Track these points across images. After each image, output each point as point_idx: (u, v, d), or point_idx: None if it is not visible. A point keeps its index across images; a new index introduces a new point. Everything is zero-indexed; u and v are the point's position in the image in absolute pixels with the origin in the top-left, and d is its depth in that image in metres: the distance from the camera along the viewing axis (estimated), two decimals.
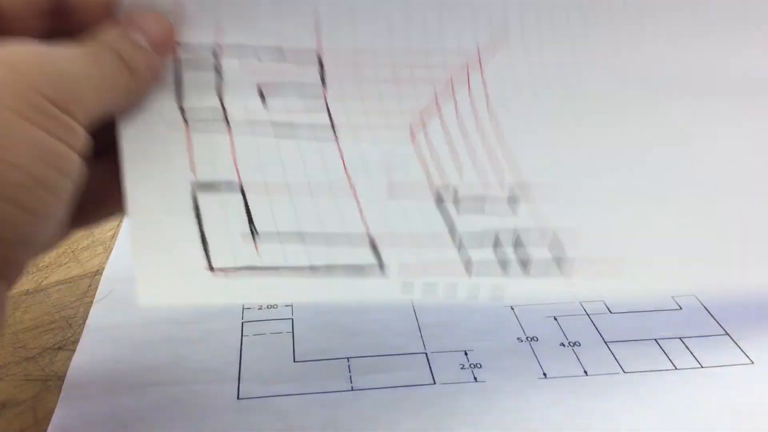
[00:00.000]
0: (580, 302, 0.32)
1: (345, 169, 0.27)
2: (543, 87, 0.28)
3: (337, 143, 0.27)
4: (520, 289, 0.26)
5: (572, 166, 0.28)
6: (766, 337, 0.30)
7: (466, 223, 0.27)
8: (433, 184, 0.27)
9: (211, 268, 0.25)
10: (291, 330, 0.31)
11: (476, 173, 0.27)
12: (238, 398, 0.27)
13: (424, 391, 0.28)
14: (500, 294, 0.26)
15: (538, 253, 0.27)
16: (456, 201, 0.27)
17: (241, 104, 0.27)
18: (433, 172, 0.27)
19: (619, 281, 0.27)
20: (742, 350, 0.30)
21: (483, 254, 0.27)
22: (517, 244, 0.27)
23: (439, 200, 0.27)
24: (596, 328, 0.31)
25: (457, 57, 0.28)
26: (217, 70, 0.26)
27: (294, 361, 0.29)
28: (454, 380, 0.28)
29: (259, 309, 0.32)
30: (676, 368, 0.29)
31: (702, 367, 0.29)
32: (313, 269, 0.26)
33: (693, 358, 0.29)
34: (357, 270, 0.26)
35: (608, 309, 0.32)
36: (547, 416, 0.26)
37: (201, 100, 0.26)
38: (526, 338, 0.30)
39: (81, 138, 0.21)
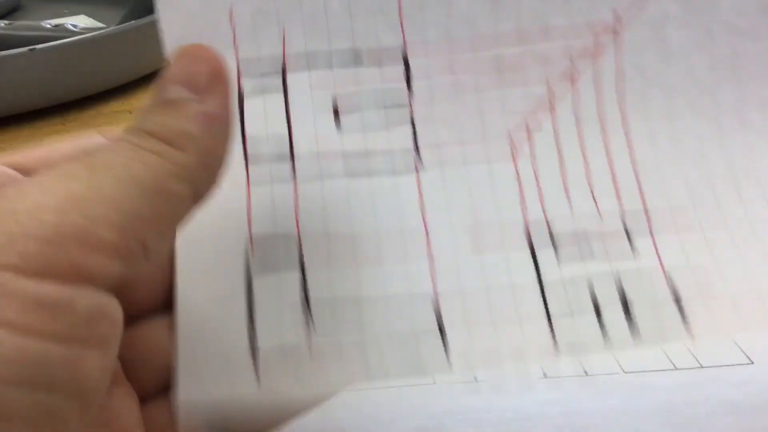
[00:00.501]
0: None
1: (423, 214, 0.22)
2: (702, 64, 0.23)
3: (418, 175, 0.23)
4: (619, 356, 0.22)
5: (707, 189, 0.24)
6: (767, 337, 0.30)
7: (564, 276, 0.22)
8: (527, 221, 0.23)
9: (255, 356, 0.21)
10: None
11: (590, 198, 0.23)
12: None
13: (424, 390, 0.28)
14: (586, 368, 0.22)
15: (658, 308, 0.22)
16: (554, 242, 0.22)
17: (312, 132, 0.23)
18: (532, 203, 0.23)
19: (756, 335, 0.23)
20: (742, 350, 0.30)
21: (581, 321, 0.22)
22: (632, 297, 0.22)
23: (533, 246, 0.22)
24: None
25: (586, 31, 0.23)
26: (285, 91, 0.22)
27: None
28: (454, 380, 0.28)
29: None
30: (676, 368, 0.29)
31: (702, 367, 0.29)
32: (365, 366, 0.21)
33: (693, 358, 0.29)
34: (416, 367, 0.22)
35: None
36: (547, 416, 0.26)
37: (267, 144, 0.22)
38: None
39: (87, 320, 0.15)
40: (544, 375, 0.28)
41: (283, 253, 0.22)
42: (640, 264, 0.23)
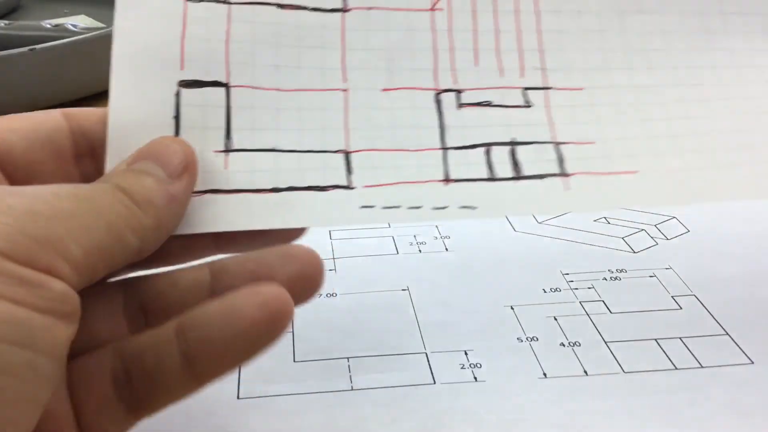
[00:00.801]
0: (580, 302, 0.33)
1: (342, 58, 0.25)
2: None
3: (343, 14, 0.26)
4: (502, 197, 0.25)
5: (603, 72, 0.27)
6: (766, 337, 0.30)
7: (462, 124, 0.25)
8: (438, 77, 0.26)
9: None
10: (291, 329, 0.31)
11: (495, 62, 0.26)
12: (238, 398, 0.27)
13: (424, 391, 0.28)
14: (473, 203, 0.24)
15: (538, 159, 0.25)
16: (458, 98, 0.26)
17: None
18: (443, 57, 0.26)
19: (626, 193, 0.25)
20: (742, 350, 0.30)
21: (471, 158, 0.25)
22: (517, 150, 0.25)
23: (438, 96, 0.26)
24: (596, 328, 0.31)
25: None
26: None
27: (294, 360, 0.29)
28: (454, 380, 0.28)
29: None
30: (676, 368, 0.29)
31: (702, 367, 0.29)
32: (276, 191, 0.24)
33: (693, 358, 0.29)
34: (320, 191, 0.24)
35: (608, 309, 0.32)
36: (547, 416, 0.26)
37: None
38: (526, 338, 0.30)
39: (60, 300, 0.18)
40: (545, 375, 0.28)
41: (211, 69, 0.24)
42: (531, 117, 0.26)
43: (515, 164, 0.25)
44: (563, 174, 0.25)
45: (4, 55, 0.47)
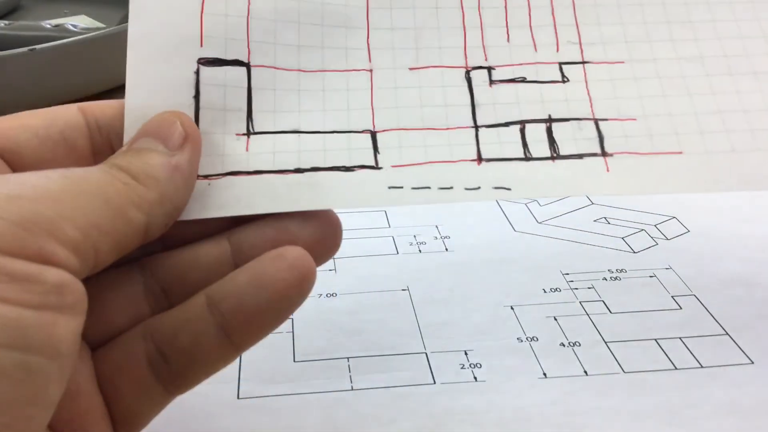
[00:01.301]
0: (580, 302, 0.33)
1: (367, 38, 0.24)
2: None
3: (367, 5, 0.25)
4: (539, 178, 0.23)
5: (645, 44, 0.26)
6: (766, 337, 0.30)
7: (494, 102, 0.24)
8: (468, 55, 0.25)
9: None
10: (291, 329, 0.31)
11: (528, 38, 0.25)
12: (237, 398, 0.27)
13: (424, 390, 0.28)
14: (507, 183, 0.23)
15: (577, 138, 0.24)
16: (490, 75, 0.25)
17: None
18: (473, 34, 0.25)
19: (669, 177, 0.24)
20: (742, 350, 0.30)
21: (505, 137, 0.24)
22: (554, 127, 0.24)
23: (469, 74, 0.25)
24: (596, 328, 0.31)
25: None
26: None
27: (294, 360, 0.29)
28: (454, 380, 0.28)
29: None
30: (676, 368, 0.29)
31: (702, 367, 0.29)
32: (299, 172, 0.23)
33: (693, 358, 0.29)
34: (346, 171, 0.23)
35: (608, 309, 0.32)
36: (547, 416, 0.26)
37: None
38: (526, 338, 0.30)
39: (56, 291, 0.16)
40: (545, 375, 0.28)
41: (232, 47, 0.24)
42: (568, 92, 0.25)
43: (552, 143, 0.24)
44: (603, 154, 0.24)
45: (4, 55, 0.47)
